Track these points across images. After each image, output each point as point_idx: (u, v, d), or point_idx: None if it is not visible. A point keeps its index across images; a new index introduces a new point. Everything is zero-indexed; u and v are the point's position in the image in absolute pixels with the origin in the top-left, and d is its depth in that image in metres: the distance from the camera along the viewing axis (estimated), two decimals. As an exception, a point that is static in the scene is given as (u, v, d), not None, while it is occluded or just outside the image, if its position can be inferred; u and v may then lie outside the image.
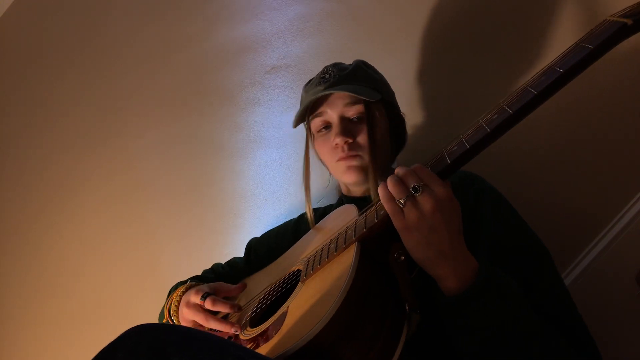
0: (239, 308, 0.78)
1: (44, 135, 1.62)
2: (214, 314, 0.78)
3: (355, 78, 0.88)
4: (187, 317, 0.79)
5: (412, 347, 0.60)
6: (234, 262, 1.05)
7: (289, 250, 0.91)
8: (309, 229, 0.91)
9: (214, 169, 1.34)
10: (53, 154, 1.59)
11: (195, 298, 0.79)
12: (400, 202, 0.56)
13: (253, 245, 1.05)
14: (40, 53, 1.68)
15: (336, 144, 0.86)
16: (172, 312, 0.82)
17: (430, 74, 1.14)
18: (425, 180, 0.57)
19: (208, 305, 0.77)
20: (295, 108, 1.26)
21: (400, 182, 0.57)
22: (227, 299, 0.83)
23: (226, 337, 0.73)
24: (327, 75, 0.88)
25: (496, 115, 0.55)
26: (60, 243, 1.52)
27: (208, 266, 1.07)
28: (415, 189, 0.56)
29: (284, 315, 0.64)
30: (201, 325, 0.78)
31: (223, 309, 0.77)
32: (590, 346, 0.63)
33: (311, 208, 0.94)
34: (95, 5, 1.58)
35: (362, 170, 0.86)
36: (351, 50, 1.21)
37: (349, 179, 0.87)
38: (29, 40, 1.72)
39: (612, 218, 0.98)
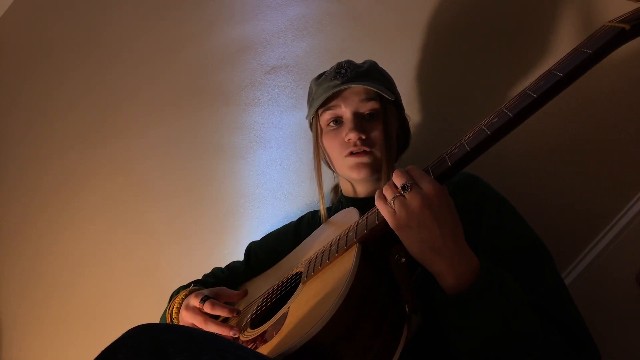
0: (238, 312, 0.78)
1: (44, 136, 1.63)
2: (214, 317, 0.79)
3: (372, 76, 0.89)
4: (186, 320, 0.79)
5: (413, 348, 0.60)
6: (233, 265, 1.04)
7: (289, 254, 0.91)
8: (309, 232, 0.91)
9: (214, 168, 1.34)
10: (53, 154, 1.59)
11: (194, 301, 0.79)
12: (390, 202, 0.58)
13: (253, 249, 1.04)
14: (40, 53, 1.68)
15: (349, 139, 0.85)
16: (173, 316, 0.83)
17: (430, 74, 1.14)
18: (415, 178, 0.58)
19: (207, 308, 0.77)
20: (295, 108, 1.27)
21: (392, 183, 0.59)
22: (228, 304, 0.84)
23: None
24: (343, 71, 0.88)
25: (496, 119, 0.56)
26: (61, 243, 1.53)
27: (208, 266, 1.07)
28: (404, 188, 0.57)
29: (285, 316, 0.64)
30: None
31: (222, 312, 0.77)
32: (590, 347, 0.64)
33: (324, 205, 0.93)
34: (96, 6, 1.58)
35: (371, 167, 0.86)
36: (351, 50, 1.21)
37: (357, 175, 0.86)
38: (30, 41, 1.72)
39: (612, 218, 0.98)
